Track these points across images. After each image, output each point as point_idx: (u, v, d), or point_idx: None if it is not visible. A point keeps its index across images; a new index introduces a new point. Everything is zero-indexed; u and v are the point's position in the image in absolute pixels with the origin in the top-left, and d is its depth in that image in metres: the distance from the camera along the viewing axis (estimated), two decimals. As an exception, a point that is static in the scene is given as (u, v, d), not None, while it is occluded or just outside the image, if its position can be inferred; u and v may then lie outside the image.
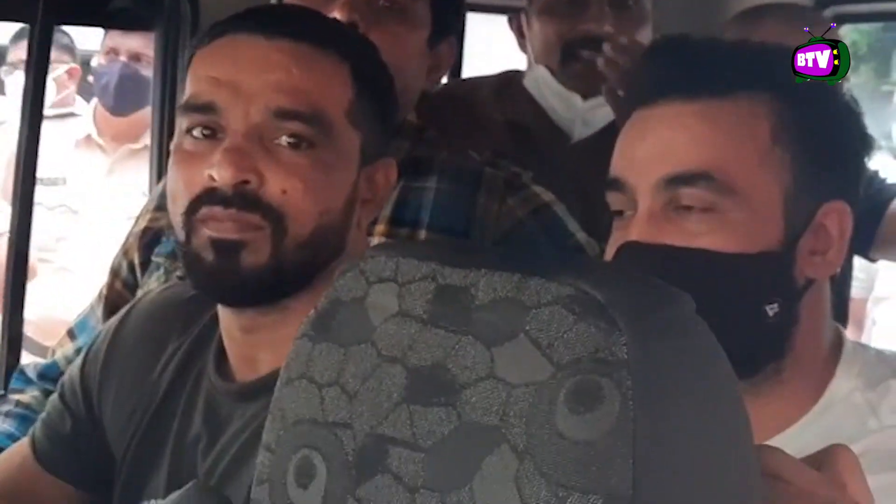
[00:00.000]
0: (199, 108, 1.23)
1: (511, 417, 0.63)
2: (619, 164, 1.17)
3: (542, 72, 1.95)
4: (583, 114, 1.94)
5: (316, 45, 1.24)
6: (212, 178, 1.19)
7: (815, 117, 1.14)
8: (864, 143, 1.19)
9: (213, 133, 1.22)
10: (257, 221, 1.19)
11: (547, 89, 1.95)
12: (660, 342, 0.63)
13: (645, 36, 1.92)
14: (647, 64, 1.22)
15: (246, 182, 1.18)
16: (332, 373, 0.71)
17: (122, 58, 3.27)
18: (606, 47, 1.80)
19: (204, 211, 1.20)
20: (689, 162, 1.12)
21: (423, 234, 1.61)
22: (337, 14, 1.49)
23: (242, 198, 1.19)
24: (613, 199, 1.18)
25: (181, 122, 1.25)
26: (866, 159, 1.20)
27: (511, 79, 2.03)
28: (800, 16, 2.05)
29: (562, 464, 0.61)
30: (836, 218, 1.14)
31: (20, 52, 3.38)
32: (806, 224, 1.13)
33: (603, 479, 0.60)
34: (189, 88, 1.25)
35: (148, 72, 3.21)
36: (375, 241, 1.53)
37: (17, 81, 3.54)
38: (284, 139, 1.20)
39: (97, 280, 1.86)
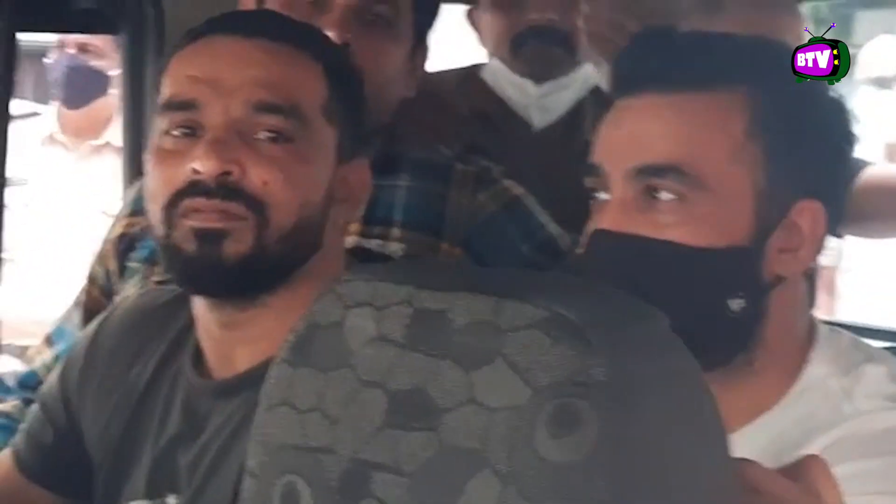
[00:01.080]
0: (179, 105, 1.24)
1: (492, 441, 0.63)
2: (598, 151, 1.18)
3: (496, 63, 2.03)
4: (537, 99, 2.00)
5: (291, 45, 1.26)
6: (195, 172, 1.20)
7: (795, 114, 1.14)
8: (849, 143, 1.18)
9: (192, 131, 1.23)
10: (241, 211, 1.20)
11: (503, 79, 2.02)
12: (635, 363, 0.64)
13: None
14: (629, 54, 1.22)
15: (228, 173, 1.20)
16: (313, 398, 0.71)
17: (70, 50, 3.27)
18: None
19: (186, 203, 1.21)
20: (659, 154, 1.12)
21: (396, 231, 1.61)
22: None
23: (225, 188, 1.20)
24: (592, 184, 1.18)
25: (160, 123, 1.26)
26: (851, 159, 1.20)
27: (473, 72, 2.09)
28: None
29: (544, 487, 0.61)
30: (810, 217, 1.14)
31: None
32: (778, 221, 1.13)
33: (585, 501, 0.61)
34: (167, 89, 1.26)
35: (96, 62, 3.23)
36: (350, 240, 1.54)
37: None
38: (263, 133, 1.22)
39: (64, 277, 1.85)
